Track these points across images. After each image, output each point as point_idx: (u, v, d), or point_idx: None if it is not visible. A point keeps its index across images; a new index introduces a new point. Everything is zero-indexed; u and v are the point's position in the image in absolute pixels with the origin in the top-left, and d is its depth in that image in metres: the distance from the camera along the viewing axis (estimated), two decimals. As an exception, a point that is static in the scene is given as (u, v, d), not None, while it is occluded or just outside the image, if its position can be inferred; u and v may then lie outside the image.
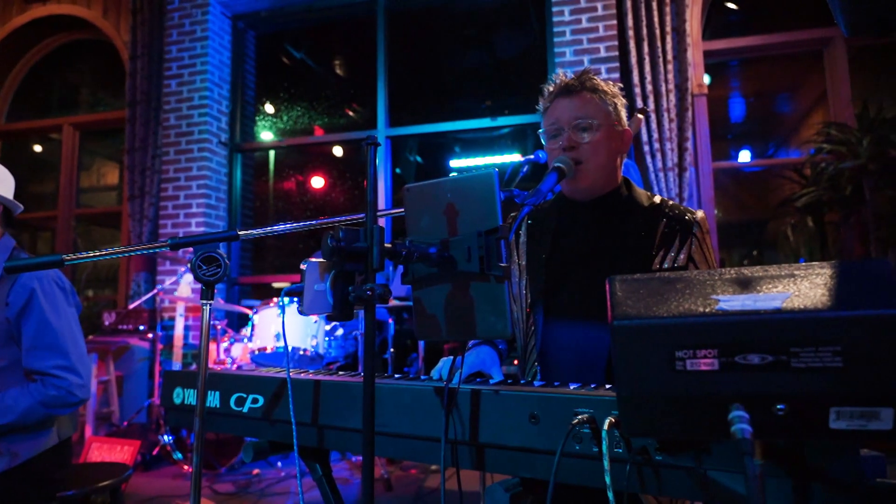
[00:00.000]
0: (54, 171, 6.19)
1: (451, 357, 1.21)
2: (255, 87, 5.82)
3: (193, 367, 4.11)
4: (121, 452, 3.40)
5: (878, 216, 4.01)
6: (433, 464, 1.07)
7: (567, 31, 4.40)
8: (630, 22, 4.22)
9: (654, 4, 4.22)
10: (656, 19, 4.20)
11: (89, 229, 6.56)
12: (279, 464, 3.85)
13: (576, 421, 0.92)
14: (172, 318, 4.88)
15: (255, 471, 3.74)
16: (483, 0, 5.30)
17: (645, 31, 4.20)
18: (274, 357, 3.53)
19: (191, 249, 1.27)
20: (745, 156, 6.37)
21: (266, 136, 6.05)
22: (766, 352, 0.68)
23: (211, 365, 3.86)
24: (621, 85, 1.59)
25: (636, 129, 2.63)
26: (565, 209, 1.62)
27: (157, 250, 1.23)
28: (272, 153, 6.32)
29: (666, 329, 0.70)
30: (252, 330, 3.61)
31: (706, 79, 4.39)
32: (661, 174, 4.08)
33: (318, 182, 6.62)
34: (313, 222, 1.35)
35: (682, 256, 1.46)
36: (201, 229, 5.10)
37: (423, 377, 1.29)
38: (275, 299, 3.63)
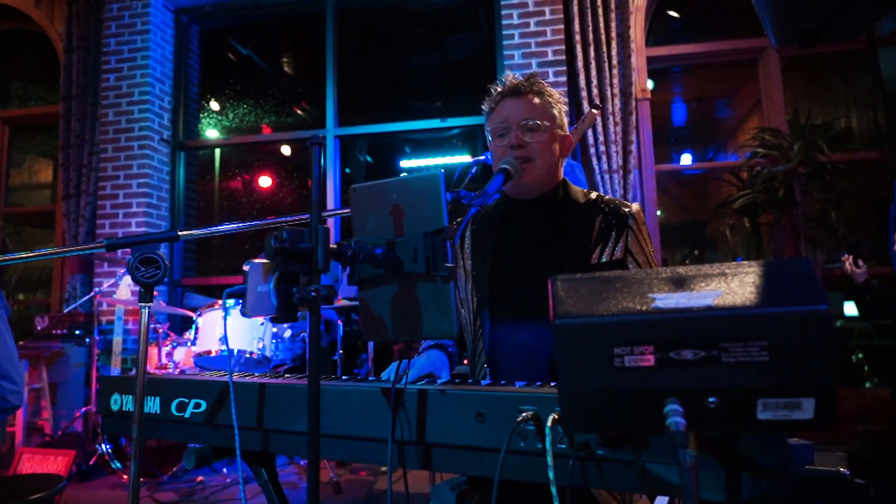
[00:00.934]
0: (-19, 168, 5.86)
1: (399, 359, 1.21)
2: (199, 84, 5.66)
3: (133, 372, 3.97)
4: (54, 463, 3.25)
5: (808, 218, 4.22)
6: (382, 465, 1.07)
7: (516, 34, 4.46)
8: (577, 27, 4.31)
9: (600, 10, 4.32)
10: (602, 25, 4.31)
11: (20, 229, 6.24)
12: (224, 470, 3.75)
13: (520, 418, 0.93)
14: (111, 323, 4.70)
15: (199, 478, 3.64)
16: (434, 1, 5.31)
17: (591, 36, 4.30)
18: (219, 361, 3.45)
19: (130, 250, 1.23)
20: (686, 159, 6.59)
21: (211, 133, 5.89)
22: (698, 348, 0.71)
23: (152, 370, 3.74)
24: (563, 91, 1.63)
25: (590, 124, 2.69)
26: (507, 210, 1.65)
27: (92, 251, 1.19)
28: (218, 151, 6.17)
29: (605, 327, 0.73)
30: (196, 333, 3.51)
31: (649, 84, 4.52)
32: (607, 176, 4.18)
33: (265, 181, 6.50)
34: (257, 222, 1.32)
35: (618, 249, 1.50)
36: (142, 229, 4.93)
37: (370, 378, 1.29)
38: (219, 301, 3.54)
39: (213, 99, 5.96)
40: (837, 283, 4.05)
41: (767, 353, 0.72)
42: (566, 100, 1.63)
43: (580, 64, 4.26)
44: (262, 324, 3.50)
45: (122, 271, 4.33)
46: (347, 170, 6.36)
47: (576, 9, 4.33)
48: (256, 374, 1.44)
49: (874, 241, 4.44)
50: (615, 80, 4.24)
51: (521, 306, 1.51)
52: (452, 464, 1.04)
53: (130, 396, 1.42)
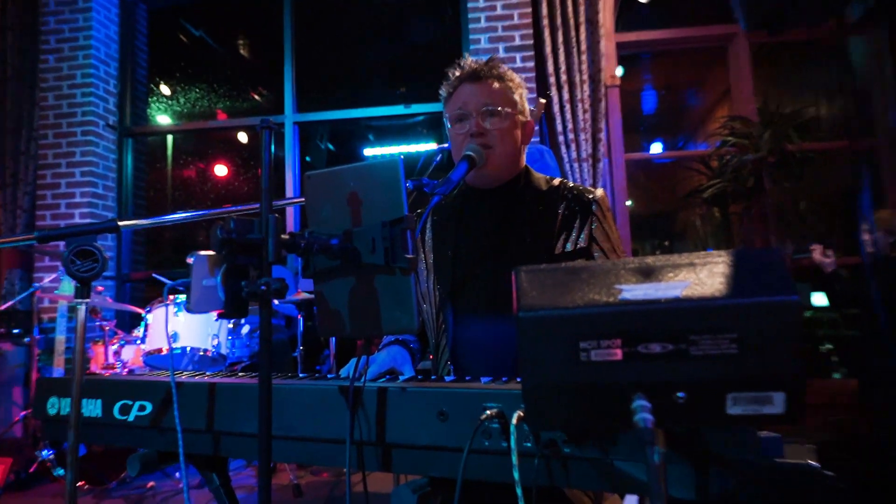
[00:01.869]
0: None
1: (358, 356, 1.19)
2: (147, 66, 5.50)
3: (78, 373, 3.85)
4: (-9, 471, 3.13)
5: (776, 207, 4.32)
6: (341, 467, 1.05)
7: (482, 17, 4.44)
8: (545, 10, 4.31)
9: (569, -6, 4.33)
10: (570, 9, 4.32)
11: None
12: (177, 475, 3.68)
13: (484, 416, 0.92)
14: (53, 321, 4.55)
15: (150, 483, 3.56)
16: (397, -19, 5.26)
17: (559, 20, 4.31)
18: (169, 359, 3.37)
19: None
20: (656, 147, 6.69)
21: (162, 119, 5.74)
22: (666, 340, 0.71)
23: (99, 370, 3.63)
24: (531, 77, 1.63)
25: (538, 115, 2.68)
26: (468, 200, 1.63)
27: (22, 243, 1.13)
28: (170, 138, 6.02)
29: (570, 320, 0.72)
30: (145, 330, 3.43)
31: (619, 70, 4.56)
32: (576, 164, 4.21)
33: (221, 170, 6.37)
34: (205, 212, 1.28)
35: (583, 237, 1.50)
36: (87, 221, 4.78)
37: (329, 376, 1.26)
38: (171, 296, 3.46)
39: (163, 83, 5.80)
40: (806, 274, 4.17)
41: (737, 346, 0.72)
42: (527, 84, 1.62)
43: (548, 49, 4.27)
44: (218, 319, 3.42)
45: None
46: (308, 158, 6.27)
47: (544, -8, 4.33)
48: (209, 374, 1.40)
49: (843, 230, 4.58)
50: (584, 66, 4.26)
51: (484, 300, 1.50)
52: (414, 465, 1.03)
53: (68, 399, 1.37)
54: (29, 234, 1.11)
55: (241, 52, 6.32)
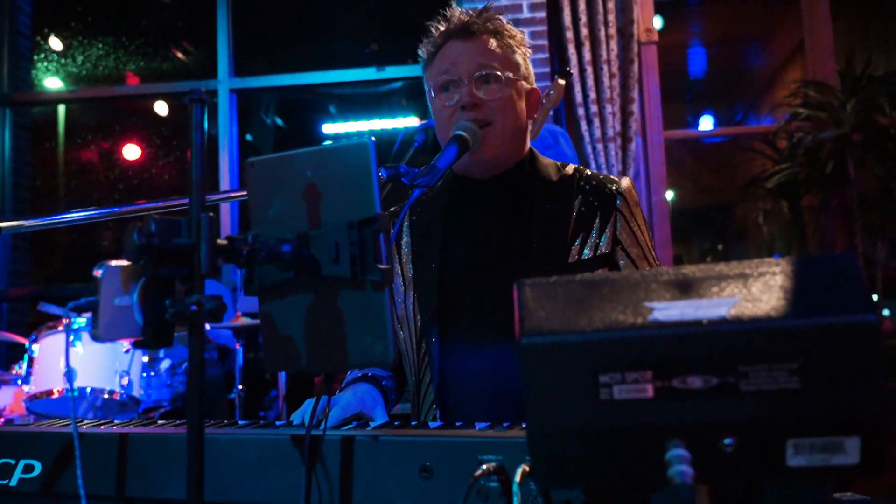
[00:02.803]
0: None
1: (317, 395, 1.21)
2: (32, 13, 5.50)
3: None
4: None
5: (864, 198, 4.38)
6: (294, 541, 1.07)
7: (478, -49, 4.49)
8: (560, -57, 4.37)
9: (591, -79, 4.39)
10: (593, -59, 4.37)
11: None
12: (76, 557, 3.67)
13: (479, 472, 0.95)
14: None
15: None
16: None
17: (579, -45, 4.36)
18: (63, 404, 3.36)
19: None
20: (706, 123, 6.77)
21: (51, 83, 5.73)
22: (709, 373, 0.74)
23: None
24: (533, 31, 1.66)
25: (556, 101, 2.72)
26: (457, 195, 1.65)
27: None
28: (62, 109, 6.01)
29: (587, 346, 0.74)
30: (29, 366, 3.42)
31: (657, 22, 4.62)
32: (600, 145, 4.26)
33: (132, 152, 6.36)
34: (118, 209, 1.30)
35: (605, 241, 1.53)
36: (-48, 220, 4.77)
37: (278, 423, 1.29)
38: (65, 321, 3.45)
39: (53, 34, 5.80)
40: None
41: (799, 379, 0.75)
42: (537, 41, 1.66)
43: (565, -7, 4.32)
44: (128, 351, 3.43)
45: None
46: (249, 136, 6.28)
47: (559, -82, 4.39)
48: (118, 422, 1.41)
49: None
50: (611, 17, 4.32)
51: (480, 323, 1.52)
52: (389, 537, 1.05)
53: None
54: None
55: (159, -5, 6.34)
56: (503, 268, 1.54)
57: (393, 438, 1.04)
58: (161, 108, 6.22)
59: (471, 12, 1.59)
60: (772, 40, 6.59)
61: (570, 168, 1.64)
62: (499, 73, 1.54)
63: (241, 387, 3.79)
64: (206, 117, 0.95)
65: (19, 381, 3.51)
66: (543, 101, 2.66)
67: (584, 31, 4.31)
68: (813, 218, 4.88)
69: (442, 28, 1.60)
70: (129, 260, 0.89)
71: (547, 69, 4.27)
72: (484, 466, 0.96)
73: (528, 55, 1.63)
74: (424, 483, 1.01)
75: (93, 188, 6.15)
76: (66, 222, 1.28)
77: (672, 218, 4.52)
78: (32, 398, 3.35)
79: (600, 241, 1.53)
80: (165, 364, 3.64)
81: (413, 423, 1.27)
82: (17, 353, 4.60)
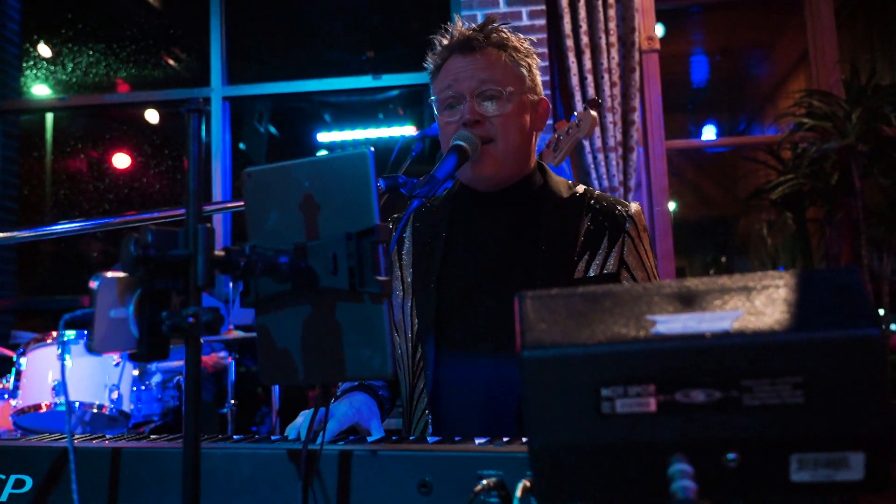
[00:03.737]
0: None
1: (314, 409, 1.22)
2: (21, 19, 5.51)
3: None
4: None
5: (870, 210, 4.40)
6: (288, 559, 1.08)
7: (477, -42, 4.52)
8: (560, -50, 4.40)
9: (592, -72, 4.42)
10: (594, -52, 4.41)
11: None
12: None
13: (479, 488, 0.96)
14: None
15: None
16: None
17: (579, -38, 4.39)
18: (51, 419, 3.36)
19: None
20: (708, 132, 6.79)
21: (39, 91, 5.74)
22: (712, 386, 0.75)
23: (-47, 434, 3.61)
24: (540, 39, 1.68)
25: (588, 132, 2.70)
26: (462, 204, 1.68)
27: None
28: (50, 117, 6.02)
29: (589, 360, 0.76)
30: (17, 380, 3.42)
31: (659, 30, 4.65)
32: (601, 155, 4.27)
33: (121, 161, 6.36)
34: (111, 219, 1.31)
35: (611, 261, 1.56)
36: (-63, 230, 4.77)
37: (273, 438, 1.29)
38: (53, 333, 3.46)
39: (42, 41, 5.81)
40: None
41: (802, 393, 0.76)
42: (538, 50, 1.68)
43: (564, 1, 4.35)
44: (118, 364, 3.43)
45: None
46: (242, 145, 6.30)
47: (559, -75, 4.42)
48: (108, 437, 1.42)
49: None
50: (612, 25, 4.34)
51: (477, 333, 1.54)
52: (387, 554, 1.06)
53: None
54: None
55: (151, 0, 6.36)
56: (504, 279, 1.57)
57: (391, 453, 1.05)
58: (152, 116, 6.23)
59: (473, 26, 1.61)
60: (775, 49, 6.63)
61: (580, 188, 1.67)
62: (500, 88, 1.56)
63: (232, 402, 3.79)
64: (203, 128, 0.96)
65: (6, 396, 3.51)
66: (569, 132, 2.67)
67: (585, 39, 4.34)
68: (818, 230, 4.90)
69: (445, 42, 1.62)
70: (125, 271, 0.90)
71: (546, 77, 4.30)
72: (484, 482, 0.97)
73: (536, 65, 1.65)
74: (423, 499, 1.01)
75: (82, 198, 6.15)
76: (59, 233, 1.30)
77: (674, 229, 4.54)
78: (20, 412, 3.34)
79: (607, 260, 1.56)
80: (156, 378, 3.65)
81: (411, 437, 1.28)
82: (3, 366, 4.60)
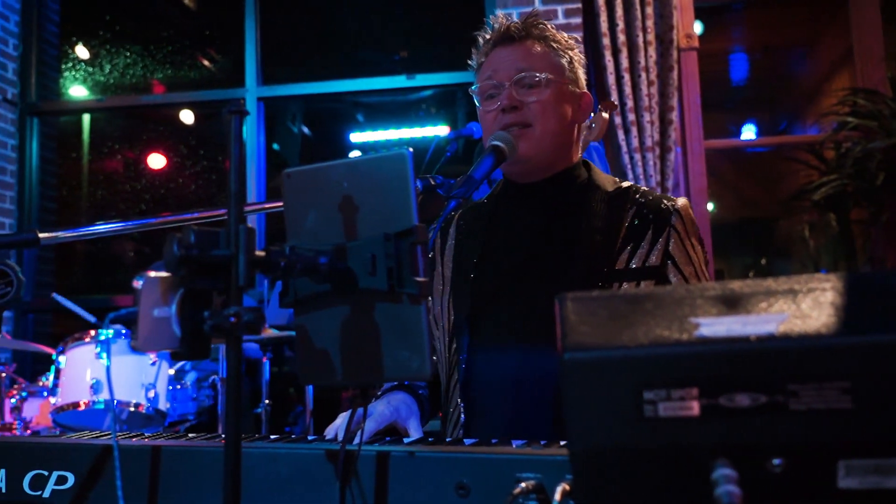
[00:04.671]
0: None
1: (352, 409, 1.23)
2: (60, 21, 5.61)
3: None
4: None
5: (917, 213, 4.32)
6: (325, 559, 1.09)
7: (512, -44, 4.52)
8: (597, -53, 4.38)
9: (629, -75, 4.40)
10: (631, -55, 4.38)
11: None
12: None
13: (518, 490, 0.96)
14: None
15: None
16: None
17: (616, -40, 4.37)
18: (89, 417, 3.42)
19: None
20: (748, 132, 6.72)
21: (78, 92, 5.84)
22: (757, 390, 0.74)
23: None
24: (578, 37, 1.68)
25: (599, 135, 2.71)
26: (504, 199, 1.69)
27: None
28: (87, 118, 6.12)
29: (631, 363, 0.75)
30: (56, 378, 3.48)
31: (697, 27, 4.61)
32: (638, 155, 4.25)
33: (157, 161, 6.45)
34: (151, 220, 1.33)
35: (655, 255, 1.54)
36: (-22, 230, 4.87)
37: (310, 438, 1.30)
38: (92, 332, 3.52)
39: (81, 43, 5.90)
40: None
41: (850, 398, 0.75)
42: (581, 46, 1.68)
43: (601, 0, 4.33)
44: (154, 363, 3.48)
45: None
46: (275, 146, 6.35)
47: (596, -78, 4.40)
48: (147, 435, 1.44)
49: None
50: (649, 23, 4.32)
51: (511, 326, 1.55)
52: (425, 555, 1.06)
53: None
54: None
55: (187, 2, 6.44)
56: (540, 273, 1.57)
57: (429, 454, 1.06)
58: (187, 117, 6.30)
59: (515, 20, 1.63)
60: (817, 47, 6.53)
61: (626, 183, 1.67)
62: (538, 75, 1.57)
63: (267, 402, 3.82)
64: (243, 129, 0.98)
65: (45, 393, 3.57)
66: (584, 133, 2.67)
67: (622, 38, 4.31)
68: (862, 232, 4.82)
69: (487, 36, 1.65)
70: (167, 271, 0.92)
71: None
72: (522, 484, 0.97)
73: (579, 59, 1.66)
74: (461, 501, 1.02)
75: (118, 198, 6.24)
76: (101, 233, 1.32)
77: (712, 231, 4.50)
78: (59, 410, 3.40)
79: (650, 253, 1.54)
80: (191, 377, 3.69)
81: (447, 439, 1.28)
82: (42, 364, 4.68)
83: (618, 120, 4.25)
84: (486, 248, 1.65)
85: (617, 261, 1.53)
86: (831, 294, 0.80)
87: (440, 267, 1.72)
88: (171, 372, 3.59)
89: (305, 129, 6.85)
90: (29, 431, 3.57)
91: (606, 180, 1.67)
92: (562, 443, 1.10)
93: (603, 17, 4.32)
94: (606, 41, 4.31)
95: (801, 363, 0.75)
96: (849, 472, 0.77)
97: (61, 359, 3.51)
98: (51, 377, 3.52)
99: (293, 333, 3.31)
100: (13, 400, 3.73)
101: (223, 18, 5.98)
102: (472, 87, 1.67)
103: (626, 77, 4.27)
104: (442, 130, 6.06)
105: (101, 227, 1.32)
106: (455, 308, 1.63)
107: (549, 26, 1.64)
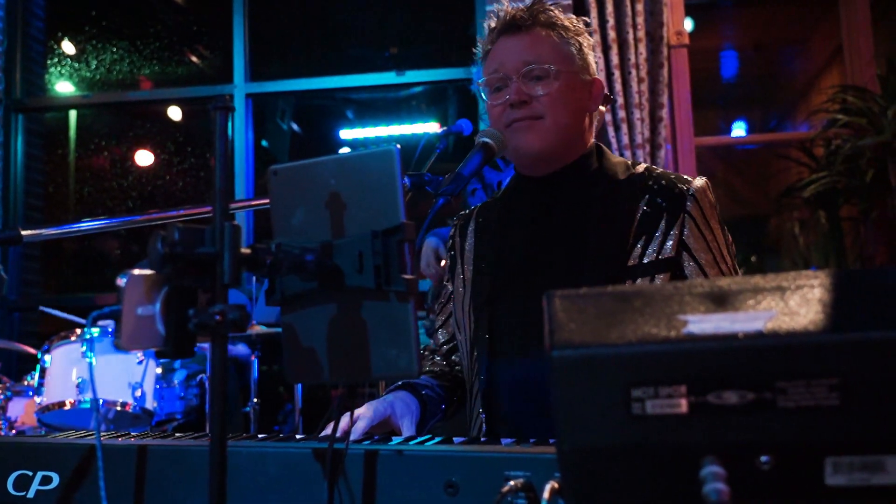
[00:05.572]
0: None
1: (338, 407, 1.22)
2: (45, 16, 5.58)
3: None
4: None
5: (907, 210, 4.34)
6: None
7: (502, -48, 4.51)
8: (587, -57, 4.38)
9: (619, -79, 4.40)
10: (622, -59, 4.39)
11: None
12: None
13: (506, 488, 0.96)
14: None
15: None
16: None
17: (607, -44, 4.37)
18: (75, 416, 3.40)
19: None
20: (739, 129, 6.73)
21: (64, 88, 5.81)
22: (745, 388, 0.74)
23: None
24: (587, 20, 1.64)
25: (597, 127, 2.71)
26: (517, 194, 1.67)
27: None
28: (73, 114, 6.09)
29: (619, 360, 0.75)
30: (41, 377, 3.46)
31: (688, 25, 4.61)
32: (628, 152, 4.26)
33: (145, 158, 6.42)
34: (136, 217, 1.33)
35: (669, 244, 1.49)
36: (-38, 228, 4.84)
37: (298, 437, 1.30)
38: (77, 331, 3.50)
39: (66, 39, 5.87)
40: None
41: (838, 395, 0.75)
42: (590, 28, 1.64)
43: (592, -5, 4.33)
44: (141, 362, 3.47)
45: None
46: (264, 142, 6.34)
47: (586, -82, 4.40)
48: (133, 434, 1.44)
49: None
50: (639, 20, 4.32)
51: (527, 333, 1.52)
52: (413, 554, 1.06)
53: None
54: None
55: (175, -2, 6.42)
56: (553, 272, 1.54)
57: (418, 453, 1.05)
58: (175, 113, 6.28)
59: (521, 6, 1.59)
60: (808, 44, 6.55)
61: (640, 167, 1.61)
62: (546, 67, 1.53)
63: (255, 400, 3.82)
64: (229, 125, 0.97)
65: (31, 393, 3.56)
66: (597, 119, 2.67)
67: (612, 34, 4.32)
68: (852, 229, 4.84)
69: (493, 25, 1.60)
70: (152, 269, 0.91)
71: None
72: (511, 483, 0.97)
73: (588, 44, 1.61)
74: (450, 499, 1.01)
75: (105, 195, 6.21)
76: (86, 231, 1.31)
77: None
78: (44, 409, 3.39)
79: (665, 244, 1.49)
80: (179, 376, 3.68)
81: (437, 438, 1.28)
82: (27, 364, 4.66)
83: (608, 117, 4.25)
84: (501, 249, 1.62)
85: (630, 256, 1.49)
86: (819, 291, 0.80)
87: (460, 268, 1.69)
88: (159, 371, 3.58)
89: (295, 126, 6.83)
90: (14, 431, 3.55)
91: (619, 166, 1.61)
92: (551, 441, 1.10)
93: (593, 14, 4.32)
94: (596, 37, 4.31)
95: (789, 360, 0.75)
96: (836, 469, 0.77)
97: (47, 358, 3.49)
98: (36, 376, 3.51)
99: (281, 332, 3.29)
100: (-2, 400, 3.72)
101: (211, 14, 5.97)
102: (479, 80, 1.63)
103: (617, 74, 4.27)
104: (432, 127, 6.06)
105: (86, 225, 1.32)
106: (475, 310, 1.61)
107: (556, 12, 1.58)
